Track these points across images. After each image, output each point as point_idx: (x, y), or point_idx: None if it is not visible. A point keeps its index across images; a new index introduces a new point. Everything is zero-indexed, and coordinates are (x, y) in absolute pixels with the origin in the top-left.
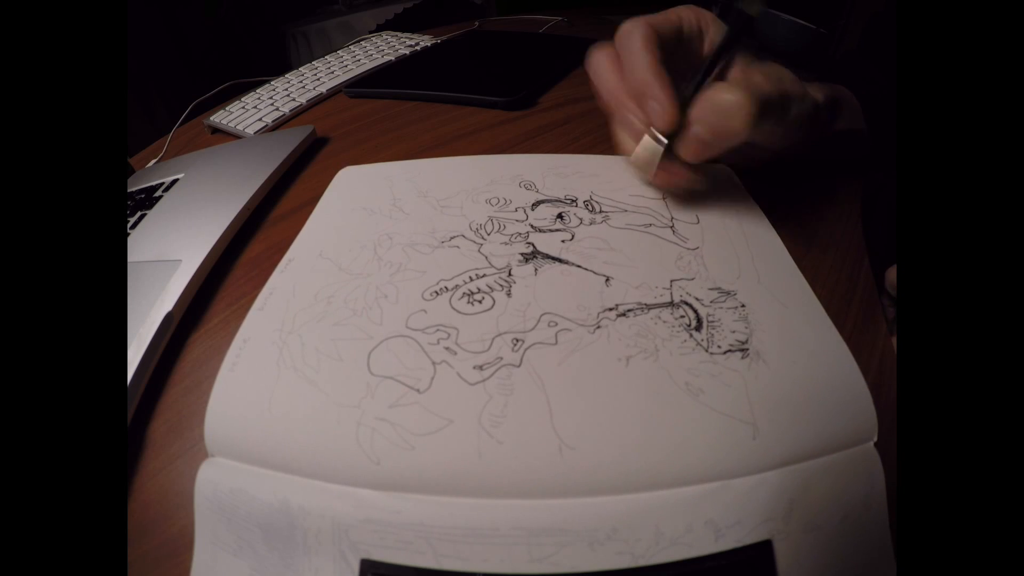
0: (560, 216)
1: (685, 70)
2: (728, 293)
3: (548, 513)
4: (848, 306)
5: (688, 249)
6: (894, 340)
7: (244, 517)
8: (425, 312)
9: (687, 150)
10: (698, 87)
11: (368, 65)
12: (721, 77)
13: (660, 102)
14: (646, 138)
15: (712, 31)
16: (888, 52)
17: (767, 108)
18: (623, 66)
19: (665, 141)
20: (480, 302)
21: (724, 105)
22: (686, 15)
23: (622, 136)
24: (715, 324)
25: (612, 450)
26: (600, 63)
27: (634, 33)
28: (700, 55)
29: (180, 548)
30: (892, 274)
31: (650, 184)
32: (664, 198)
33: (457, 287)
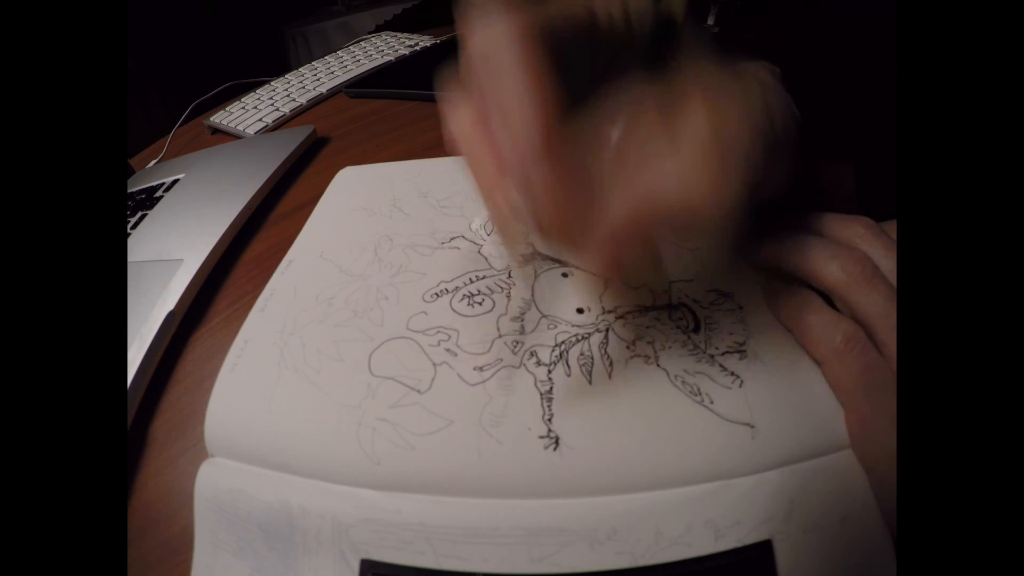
0: None
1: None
2: (726, 295)
3: (548, 513)
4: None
5: (687, 249)
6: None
7: (244, 517)
8: (426, 314)
9: (587, 251)
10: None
11: (368, 65)
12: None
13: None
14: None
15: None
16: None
17: (746, 152)
18: (489, 122)
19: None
20: (480, 304)
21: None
22: None
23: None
24: (713, 326)
25: (612, 450)
26: (463, 128)
27: (503, 52)
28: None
29: (180, 548)
30: None
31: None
32: None
33: (457, 289)
